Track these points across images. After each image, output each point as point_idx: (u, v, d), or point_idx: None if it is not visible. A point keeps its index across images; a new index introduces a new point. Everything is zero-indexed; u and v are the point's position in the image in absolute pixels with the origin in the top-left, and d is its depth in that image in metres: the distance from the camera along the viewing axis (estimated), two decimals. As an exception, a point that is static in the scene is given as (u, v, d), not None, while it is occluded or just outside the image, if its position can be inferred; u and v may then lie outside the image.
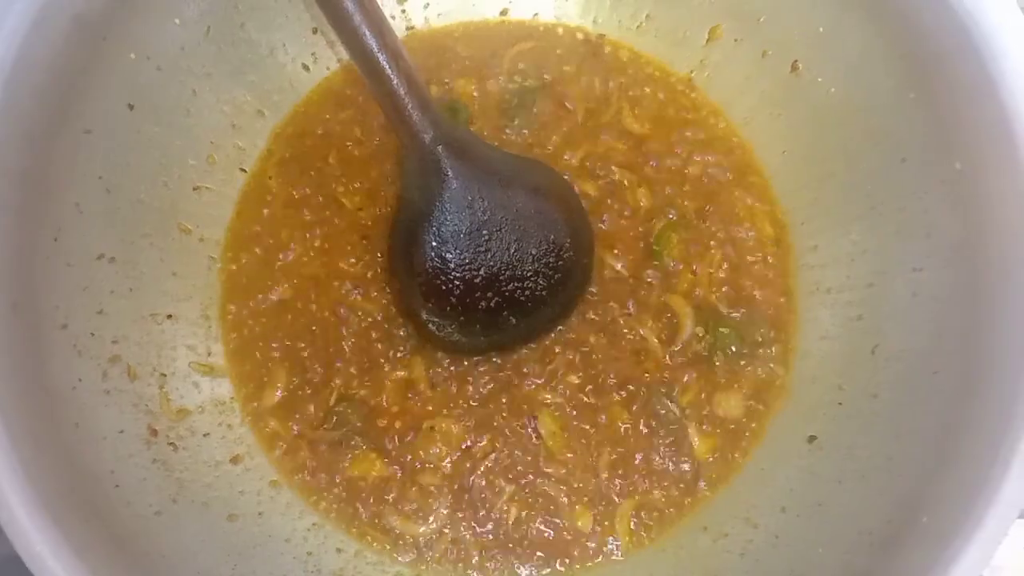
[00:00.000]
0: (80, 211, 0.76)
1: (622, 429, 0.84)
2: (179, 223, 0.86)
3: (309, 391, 0.86)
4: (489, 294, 0.80)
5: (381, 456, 0.84)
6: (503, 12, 0.97)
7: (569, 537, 0.82)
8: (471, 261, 0.79)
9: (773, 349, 0.87)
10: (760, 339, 0.87)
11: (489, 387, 0.85)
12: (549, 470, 0.84)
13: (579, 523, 0.82)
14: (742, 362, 0.86)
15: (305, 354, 0.87)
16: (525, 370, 0.85)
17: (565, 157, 0.91)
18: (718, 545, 0.81)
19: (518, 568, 0.82)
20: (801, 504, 0.79)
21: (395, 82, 0.76)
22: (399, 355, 0.86)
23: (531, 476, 0.83)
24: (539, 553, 0.82)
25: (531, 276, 0.80)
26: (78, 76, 0.73)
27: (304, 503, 0.84)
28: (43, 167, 0.71)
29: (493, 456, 0.84)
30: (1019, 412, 0.62)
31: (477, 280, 0.79)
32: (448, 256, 0.78)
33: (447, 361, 0.86)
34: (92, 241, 0.77)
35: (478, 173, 0.79)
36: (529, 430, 0.84)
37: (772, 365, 0.86)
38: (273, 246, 0.90)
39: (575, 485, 0.83)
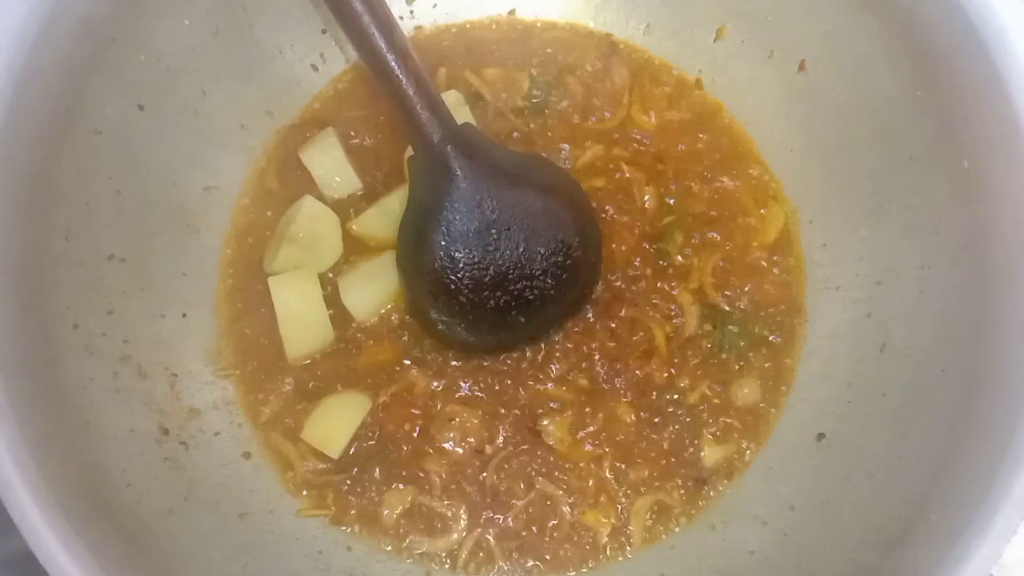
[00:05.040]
0: (90, 211, 0.76)
1: (631, 428, 0.84)
2: (188, 223, 0.87)
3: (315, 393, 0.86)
4: (498, 293, 0.80)
5: (388, 456, 0.84)
6: (511, 12, 0.97)
7: (579, 537, 0.82)
8: (480, 260, 0.79)
9: (781, 347, 0.87)
10: (768, 337, 0.87)
11: (498, 387, 0.85)
12: (559, 471, 0.84)
13: (589, 522, 0.82)
14: (750, 360, 0.86)
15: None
16: (534, 369, 0.86)
17: (573, 155, 0.92)
18: (727, 543, 0.81)
19: (529, 568, 0.82)
20: (810, 502, 0.79)
21: (404, 82, 0.76)
22: (408, 356, 0.86)
23: (541, 477, 0.83)
24: (549, 553, 0.82)
25: (539, 275, 0.80)
26: (87, 77, 0.73)
27: (312, 502, 0.84)
28: (53, 168, 0.71)
29: (503, 457, 0.84)
30: (1028, 409, 0.62)
31: (486, 279, 0.79)
32: (457, 255, 0.78)
33: (456, 360, 0.86)
34: (102, 241, 0.78)
35: (487, 172, 0.79)
36: (538, 430, 0.84)
37: (781, 363, 0.86)
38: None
39: (585, 485, 0.83)
